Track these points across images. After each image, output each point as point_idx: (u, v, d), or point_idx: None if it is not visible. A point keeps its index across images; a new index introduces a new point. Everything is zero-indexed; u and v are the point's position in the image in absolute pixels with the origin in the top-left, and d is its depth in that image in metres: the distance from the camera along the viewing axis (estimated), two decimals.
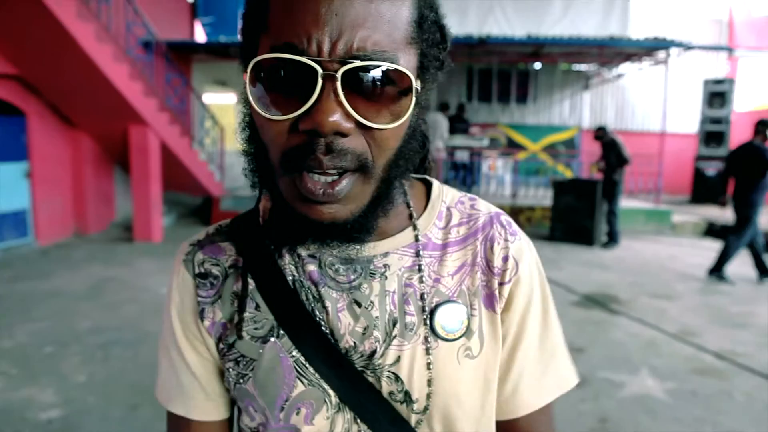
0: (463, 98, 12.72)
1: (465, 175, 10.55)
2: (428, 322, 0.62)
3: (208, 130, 10.66)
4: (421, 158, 0.68)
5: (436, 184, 0.70)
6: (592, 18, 11.57)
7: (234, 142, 13.40)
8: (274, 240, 0.65)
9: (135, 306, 4.95)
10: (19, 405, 3.14)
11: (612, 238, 7.98)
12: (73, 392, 3.29)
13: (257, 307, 0.64)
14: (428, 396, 0.62)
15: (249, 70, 0.52)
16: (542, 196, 10.19)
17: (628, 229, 9.03)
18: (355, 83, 0.50)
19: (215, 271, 0.67)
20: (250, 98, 0.53)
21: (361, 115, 0.51)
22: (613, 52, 10.75)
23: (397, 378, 0.62)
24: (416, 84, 0.53)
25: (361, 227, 0.57)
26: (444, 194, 0.70)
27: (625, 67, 12.31)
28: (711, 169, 11.95)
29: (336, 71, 0.49)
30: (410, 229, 0.65)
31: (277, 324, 0.63)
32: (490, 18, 11.37)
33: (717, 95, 11.84)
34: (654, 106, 13.36)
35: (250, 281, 0.65)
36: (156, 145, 7.84)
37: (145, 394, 3.17)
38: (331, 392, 0.62)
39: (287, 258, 0.64)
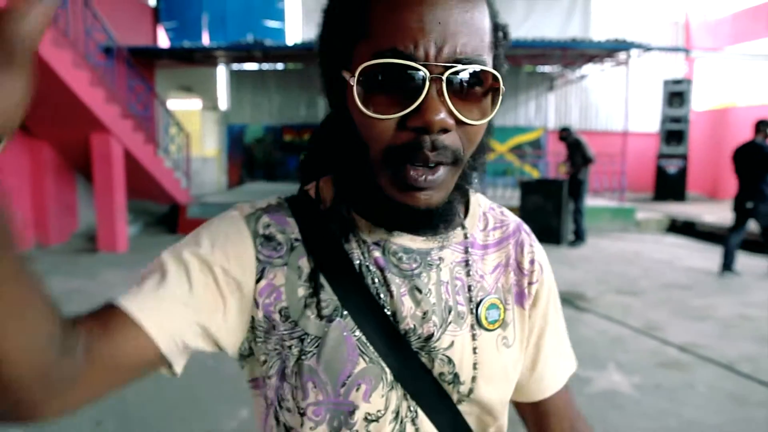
0: None
1: None
2: (475, 312, 0.70)
3: (174, 137, 10.50)
4: None
5: (470, 190, 0.75)
6: (554, 20, 11.82)
7: (200, 149, 13.26)
8: (344, 228, 0.68)
9: None
10: None
11: (578, 237, 8.12)
12: None
13: (321, 287, 0.66)
14: (473, 379, 0.69)
15: (357, 73, 0.56)
16: (510, 197, 10.32)
17: (594, 227, 9.21)
18: (455, 84, 0.56)
19: (280, 238, 0.68)
20: (357, 99, 0.57)
21: (460, 113, 0.57)
22: (575, 53, 10.98)
23: (450, 360, 0.68)
24: (501, 84, 0.60)
25: (449, 211, 0.65)
26: (480, 200, 0.78)
27: (588, 69, 12.58)
28: (672, 166, 12.30)
29: (442, 74, 0.55)
30: (460, 228, 0.72)
31: (341, 305, 0.66)
32: None
33: (676, 95, 12.20)
34: (616, 107, 13.69)
35: (316, 263, 0.67)
36: (119, 153, 7.67)
37: (108, 410, 3.09)
38: (387, 370, 0.66)
39: (353, 243, 0.68)
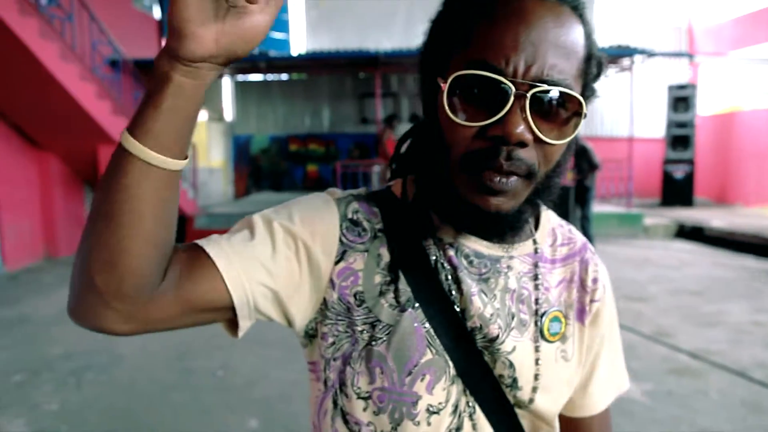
0: None
1: None
2: (539, 323, 0.72)
3: None
4: None
5: (542, 206, 0.78)
6: None
7: (206, 160, 13.30)
8: (423, 226, 0.72)
9: None
10: None
11: None
12: (45, 421, 3.18)
13: (399, 278, 0.69)
14: (534, 389, 0.71)
15: (449, 81, 0.61)
16: None
17: (602, 233, 9.17)
18: (538, 103, 0.59)
19: (366, 225, 0.71)
20: (445, 104, 0.61)
21: (540, 131, 0.60)
22: None
23: (511, 365, 0.70)
24: (584, 108, 0.63)
25: (517, 220, 0.66)
26: (551, 216, 0.81)
27: None
28: (679, 171, 12.24)
29: (527, 92, 0.58)
30: (531, 241, 0.75)
31: (414, 297, 0.68)
32: None
33: (681, 100, 12.16)
34: (621, 112, 13.65)
35: (395, 256, 0.70)
36: None
37: (120, 419, 3.09)
38: (451, 364, 0.68)
39: (430, 240, 0.71)
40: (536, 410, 0.72)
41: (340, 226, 0.70)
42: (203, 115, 14.20)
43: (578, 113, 0.62)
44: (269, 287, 0.65)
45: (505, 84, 0.58)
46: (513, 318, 0.71)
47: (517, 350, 0.70)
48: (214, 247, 0.63)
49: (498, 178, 0.60)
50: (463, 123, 0.60)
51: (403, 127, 10.02)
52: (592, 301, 0.77)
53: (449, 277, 0.70)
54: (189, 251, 0.64)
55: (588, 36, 0.65)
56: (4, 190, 7.22)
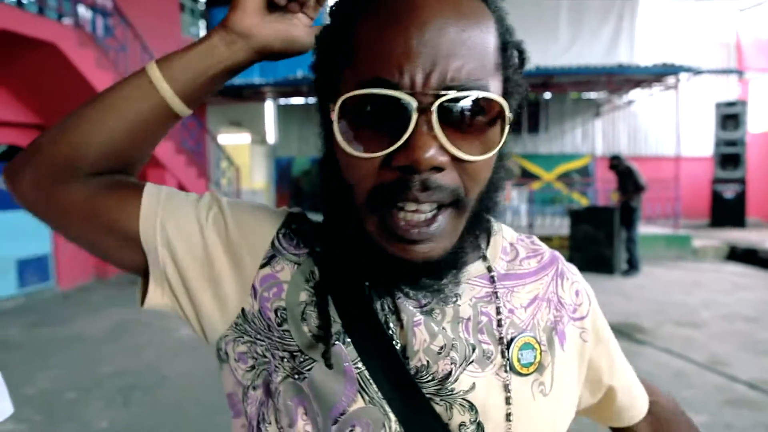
0: None
1: None
2: (506, 353, 0.59)
3: (224, 171, 10.83)
4: None
5: (492, 220, 0.67)
6: (598, 46, 11.71)
7: (249, 182, 13.60)
8: (354, 266, 0.59)
9: (154, 349, 4.95)
10: None
11: (632, 266, 7.87)
12: None
13: (329, 305, 0.58)
14: None
15: (337, 107, 0.50)
16: (559, 226, 10.12)
17: (649, 255, 8.91)
18: (448, 115, 0.48)
19: (308, 241, 0.63)
20: (337, 136, 0.50)
21: (456, 148, 0.49)
22: (622, 79, 10.82)
23: (472, 407, 0.57)
24: (507, 110, 0.52)
25: (454, 263, 0.55)
26: (504, 231, 0.68)
27: (636, 93, 12.35)
28: (729, 191, 11.83)
29: (431, 104, 0.47)
30: (480, 261, 0.63)
31: (344, 330, 0.57)
32: None
33: (730, 117, 11.81)
34: (667, 131, 13.34)
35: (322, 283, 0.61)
36: (173, 187, 7.95)
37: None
38: (392, 416, 0.55)
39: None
40: None
41: (279, 230, 0.62)
42: (246, 138, 14.56)
43: (500, 116, 0.51)
44: (182, 245, 0.60)
45: (402, 99, 0.47)
46: (474, 350, 0.58)
47: (477, 388, 0.57)
48: (152, 186, 0.64)
49: (417, 229, 0.50)
50: (362, 155, 0.49)
51: None
52: (581, 318, 0.65)
53: (386, 306, 0.58)
54: (135, 182, 0.65)
55: (499, 20, 0.54)
56: None
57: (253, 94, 12.43)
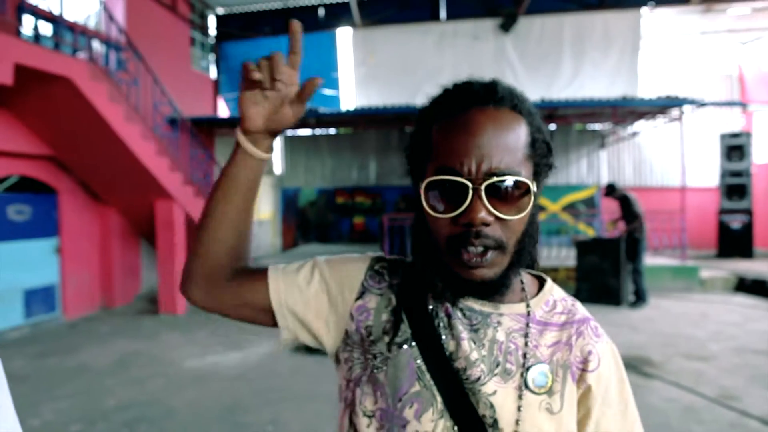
0: None
1: None
2: (524, 374, 0.81)
3: None
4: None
5: (549, 281, 0.93)
6: (601, 79, 11.83)
7: (256, 212, 13.64)
8: (428, 286, 0.86)
9: (160, 380, 4.93)
10: None
11: (639, 297, 7.81)
12: None
13: (402, 320, 0.85)
14: None
15: (423, 185, 0.79)
16: (565, 257, 10.08)
17: (656, 287, 8.85)
18: (493, 191, 0.75)
19: (386, 277, 0.91)
20: (425, 205, 0.79)
21: (498, 212, 0.76)
22: (626, 111, 10.91)
23: (491, 405, 0.79)
24: (533, 187, 0.78)
25: (501, 285, 0.80)
26: (554, 290, 0.91)
27: (640, 125, 12.44)
28: (736, 222, 11.80)
29: (480, 185, 0.75)
30: (523, 304, 0.87)
31: (412, 336, 0.83)
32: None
33: (735, 148, 11.85)
34: (672, 162, 13.39)
35: (400, 302, 0.88)
36: (181, 219, 8.01)
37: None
38: (438, 398, 0.79)
39: (430, 294, 0.86)
40: None
41: (366, 273, 0.91)
42: None
43: (528, 191, 0.78)
44: (300, 305, 0.90)
45: (462, 182, 0.75)
46: (498, 366, 0.81)
47: (498, 394, 0.79)
48: (272, 269, 0.92)
49: (474, 258, 0.76)
50: (439, 216, 0.78)
51: None
52: (584, 370, 0.84)
53: (442, 323, 0.84)
54: (257, 269, 0.93)
55: (530, 124, 0.80)
56: (69, 242, 7.59)
57: None
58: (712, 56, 14.33)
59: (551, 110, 10.81)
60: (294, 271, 0.92)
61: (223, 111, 13.20)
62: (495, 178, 0.75)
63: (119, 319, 7.64)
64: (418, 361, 0.81)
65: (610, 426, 0.84)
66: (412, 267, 0.91)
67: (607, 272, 7.92)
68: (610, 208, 11.45)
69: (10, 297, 6.80)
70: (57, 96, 6.12)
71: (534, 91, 11.20)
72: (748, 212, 11.75)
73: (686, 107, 10.21)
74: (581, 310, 0.90)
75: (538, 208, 0.85)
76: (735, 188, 11.86)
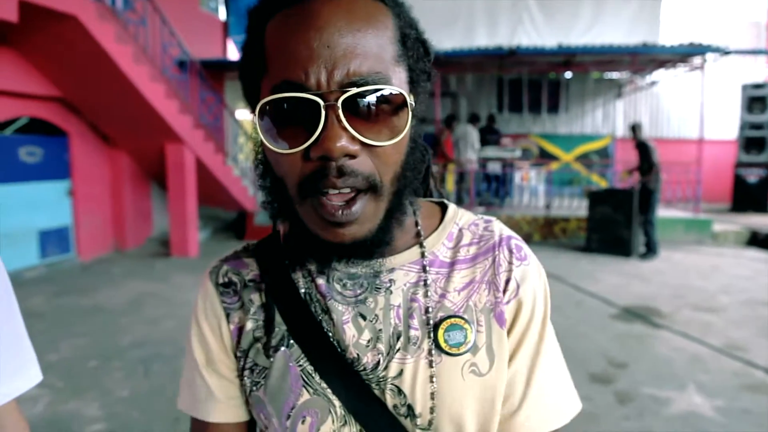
0: (494, 109, 12.66)
1: (498, 187, 10.46)
2: (432, 335, 0.63)
3: (242, 146, 10.84)
4: (425, 168, 0.73)
5: (452, 207, 0.73)
6: (621, 25, 11.42)
7: None
8: (294, 259, 0.69)
9: (173, 321, 5.03)
10: (66, 417, 3.21)
11: (650, 249, 7.79)
12: (117, 407, 3.35)
13: (270, 318, 0.68)
14: (431, 410, 0.62)
15: (257, 112, 0.57)
16: (577, 207, 10.02)
17: (667, 239, 8.81)
18: (354, 107, 0.54)
19: (235, 279, 0.72)
20: (261, 137, 0.58)
21: (364, 136, 0.55)
22: (646, 59, 10.58)
23: (400, 391, 0.62)
24: (410, 99, 0.58)
25: (380, 242, 0.61)
26: (458, 216, 0.72)
27: (659, 74, 12.09)
28: (752, 176, 11.62)
29: (336, 100, 0.53)
30: (417, 246, 0.68)
31: (288, 334, 0.66)
32: (520, 29, 11.32)
33: (757, 100, 11.53)
34: (690, 113, 13.08)
35: (267, 295, 0.69)
36: (191, 162, 8.00)
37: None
38: (336, 402, 0.63)
39: (299, 273, 0.69)
40: None
41: (219, 296, 0.72)
42: None
43: (404, 104, 0.57)
44: (233, 393, 0.71)
45: (310, 98, 0.53)
46: (399, 338, 0.64)
47: (405, 373, 0.62)
48: (193, 420, 0.73)
49: (340, 210, 0.56)
50: (285, 151, 0.56)
51: (460, 128, 9.95)
52: (506, 302, 0.66)
53: (319, 309, 0.66)
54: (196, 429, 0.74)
55: (398, 15, 0.60)
56: (81, 185, 7.63)
57: None
58: (737, 1, 13.76)
59: (569, 56, 10.51)
60: (197, 392, 0.72)
61: (233, 54, 12.96)
62: (355, 89, 0.53)
63: (132, 260, 7.76)
64: (302, 363, 0.64)
65: (518, 365, 0.66)
66: (271, 241, 0.73)
67: (618, 223, 7.88)
68: (624, 159, 11.29)
69: (26, 237, 6.90)
70: (64, 35, 6.00)
71: (551, 37, 10.86)
72: (766, 166, 11.54)
73: (709, 55, 9.88)
74: (498, 230, 0.70)
75: (420, 128, 0.65)
76: (754, 141, 11.61)
